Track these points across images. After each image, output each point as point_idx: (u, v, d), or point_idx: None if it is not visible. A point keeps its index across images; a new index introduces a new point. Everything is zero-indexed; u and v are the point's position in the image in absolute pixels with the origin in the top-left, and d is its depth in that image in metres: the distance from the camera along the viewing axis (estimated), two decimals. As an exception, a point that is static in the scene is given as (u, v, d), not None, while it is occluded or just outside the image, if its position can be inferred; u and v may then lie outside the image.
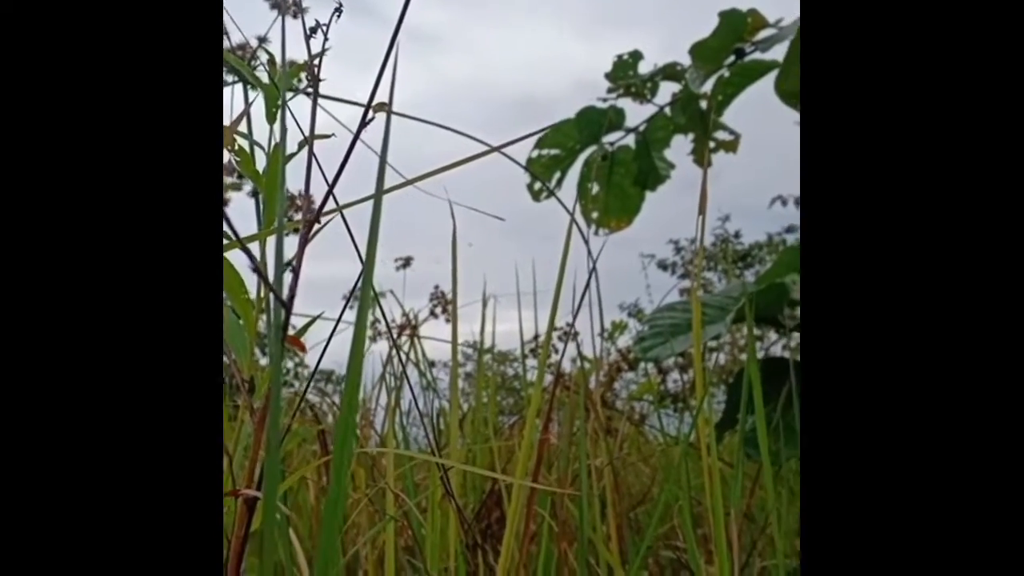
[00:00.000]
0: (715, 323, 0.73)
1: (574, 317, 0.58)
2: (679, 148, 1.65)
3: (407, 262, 1.45)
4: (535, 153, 1.67)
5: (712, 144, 1.61)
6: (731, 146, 1.61)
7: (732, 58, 1.32)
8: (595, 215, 1.73)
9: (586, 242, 0.57)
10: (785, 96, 1.29)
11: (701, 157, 1.62)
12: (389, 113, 0.28)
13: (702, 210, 0.47)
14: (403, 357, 0.98)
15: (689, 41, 1.35)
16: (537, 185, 1.70)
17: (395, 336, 1.01)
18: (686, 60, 1.42)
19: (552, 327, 0.56)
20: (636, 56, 1.49)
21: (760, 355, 0.84)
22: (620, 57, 1.49)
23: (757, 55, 1.34)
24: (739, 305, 0.72)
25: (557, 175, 1.71)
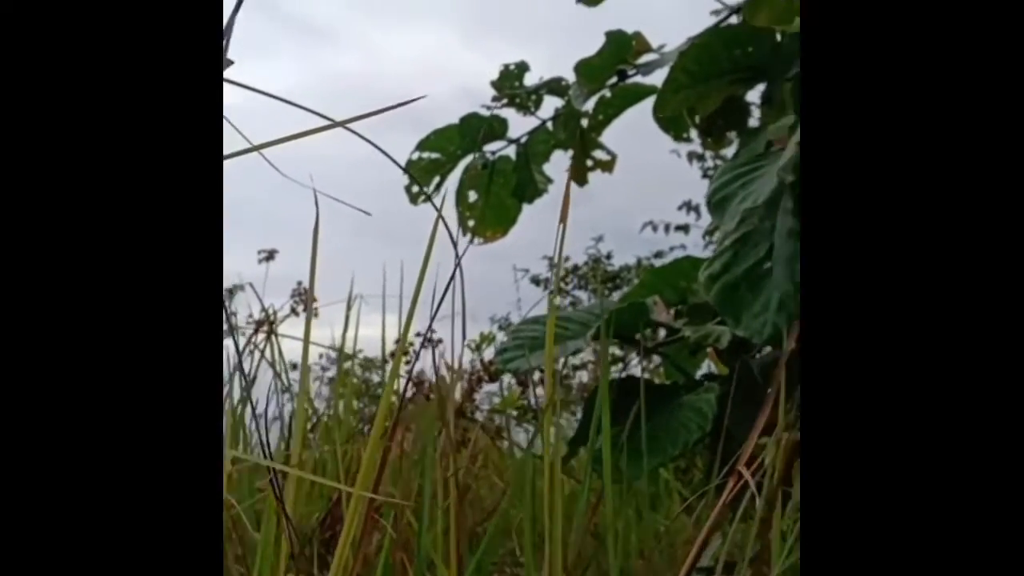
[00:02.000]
0: (576, 338, 0.73)
1: (431, 322, 0.56)
2: (558, 163, 1.66)
3: (271, 255, 1.39)
4: (415, 155, 1.64)
5: (590, 162, 1.63)
6: (608, 166, 1.63)
7: (615, 79, 1.33)
8: (471, 223, 1.71)
9: (455, 245, 0.56)
10: (662, 122, 1.32)
11: (579, 174, 1.63)
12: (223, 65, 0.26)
13: (563, 219, 0.46)
14: (257, 355, 0.94)
15: (578, 55, 1.36)
16: (415, 188, 1.67)
17: (249, 333, 0.96)
18: (571, 76, 1.43)
19: (407, 331, 0.54)
20: (522, 67, 1.49)
21: (622, 374, 0.84)
22: (507, 67, 1.49)
23: (639, 78, 1.37)
24: (599, 322, 0.72)
25: (436, 180, 1.69)
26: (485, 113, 1.61)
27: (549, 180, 1.66)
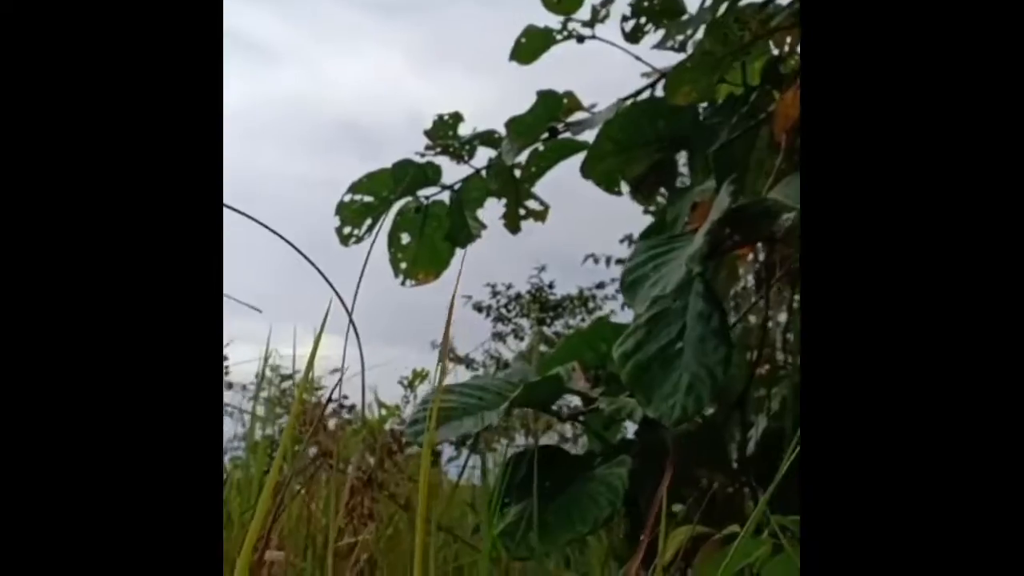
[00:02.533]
0: (492, 409, 0.74)
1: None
2: (494, 207, 1.67)
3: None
4: (347, 198, 1.64)
5: (522, 211, 1.64)
6: (540, 215, 1.65)
7: (546, 135, 1.36)
8: (404, 265, 1.71)
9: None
10: (592, 178, 1.34)
11: (512, 223, 1.65)
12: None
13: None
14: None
15: (526, 83, 1.37)
16: (346, 230, 1.66)
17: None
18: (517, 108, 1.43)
19: (310, 369, 0.52)
20: (456, 118, 1.51)
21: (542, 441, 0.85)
22: (441, 117, 1.50)
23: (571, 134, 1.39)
24: (516, 393, 0.72)
25: (368, 222, 1.68)
26: (418, 159, 1.61)
27: (483, 226, 1.67)
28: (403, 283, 1.66)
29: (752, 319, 1.07)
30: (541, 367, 0.88)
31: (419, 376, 2.48)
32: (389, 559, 0.78)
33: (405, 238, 1.66)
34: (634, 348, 0.70)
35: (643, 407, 0.67)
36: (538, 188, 1.60)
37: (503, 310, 11.85)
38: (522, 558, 0.65)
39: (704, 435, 0.77)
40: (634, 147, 1.00)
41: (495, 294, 12.50)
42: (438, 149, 1.58)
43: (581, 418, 0.82)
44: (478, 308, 11.93)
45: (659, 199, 1.59)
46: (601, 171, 1.02)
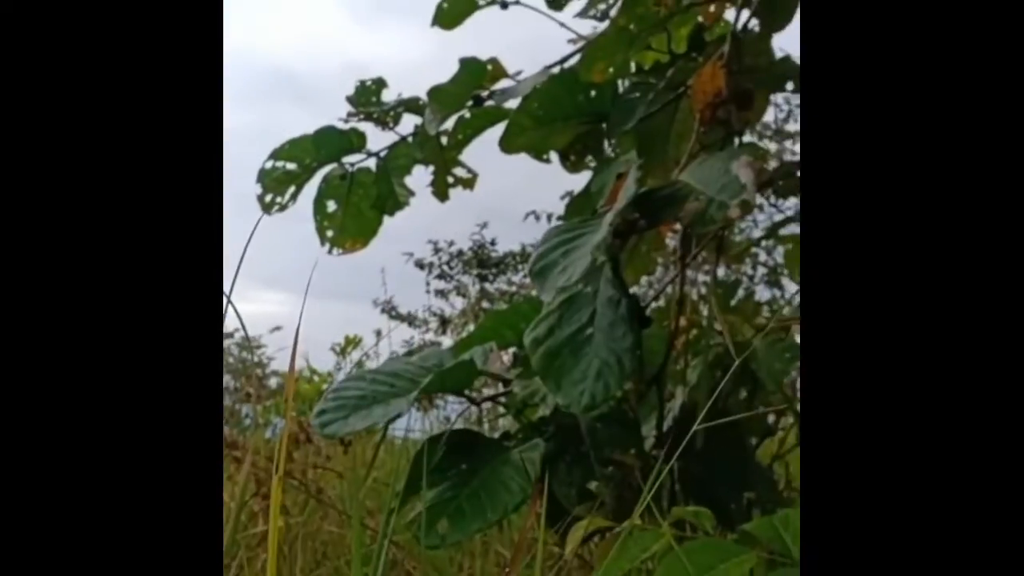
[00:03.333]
0: (402, 396, 0.73)
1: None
2: (420, 175, 1.65)
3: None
4: (269, 164, 1.59)
5: (451, 179, 1.62)
6: (469, 183, 1.63)
7: (471, 102, 1.33)
8: (330, 233, 1.68)
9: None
10: (511, 152, 1.32)
11: (440, 191, 1.63)
12: None
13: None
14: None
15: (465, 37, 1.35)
16: (268, 197, 1.62)
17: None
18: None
19: None
20: (380, 84, 1.47)
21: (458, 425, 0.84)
22: (363, 83, 1.46)
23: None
24: (426, 381, 0.72)
25: (292, 190, 1.64)
26: (342, 126, 1.58)
27: (411, 193, 1.64)
28: (330, 251, 1.64)
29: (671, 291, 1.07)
30: (458, 348, 0.88)
31: (351, 343, 2.46)
32: (304, 545, 0.77)
33: (331, 206, 1.63)
34: (545, 334, 0.70)
35: (553, 394, 0.67)
36: (476, 144, 1.57)
37: (445, 267, 11.80)
38: (432, 547, 0.65)
39: (617, 415, 0.78)
40: (554, 121, 0.99)
41: (437, 251, 12.43)
42: (361, 116, 1.54)
43: (496, 401, 0.82)
44: (420, 265, 11.84)
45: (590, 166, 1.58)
46: (520, 145, 1.00)
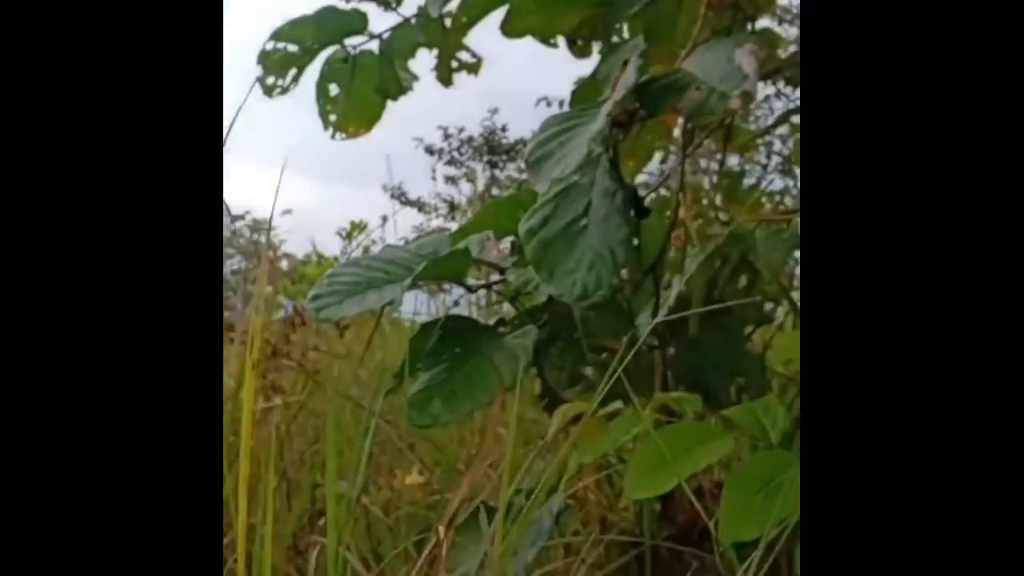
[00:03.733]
0: (395, 283, 0.74)
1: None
2: (427, 59, 1.61)
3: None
4: (269, 46, 1.56)
5: (455, 63, 1.58)
6: (473, 68, 1.59)
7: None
8: (333, 118, 1.66)
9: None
10: (514, 36, 1.29)
11: (444, 75, 1.59)
12: None
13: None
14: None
15: None
16: (270, 80, 1.59)
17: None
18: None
19: None
20: (381, -38, 1.42)
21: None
22: (364, -39, 1.41)
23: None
24: (420, 267, 0.72)
25: (293, 72, 1.61)
26: (343, 6, 1.53)
27: (415, 77, 1.61)
28: (333, 136, 1.62)
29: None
30: (457, 236, 0.88)
31: (357, 227, 2.47)
32: (306, 423, 0.80)
33: (334, 89, 1.60)
34: (540, 224, 0.70)
35: (546, 283, 0.67)
36: (487, 28, 1.53)
37: (455, 153, 11.69)
38: (424, 426, 0.67)
39: (610, 303, 0.79)
40: (559, 3, 0.96)
41: (447, 137, 12.27)
42: (363, -4, 1.50)
43: (492, 288, 0.83)
44: (430, 151, 11.73)
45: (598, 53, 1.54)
46: (523, 28, 0.98)
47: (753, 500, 0.47)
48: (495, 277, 0.82)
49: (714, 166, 1.57)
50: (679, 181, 0.87)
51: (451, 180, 12.03)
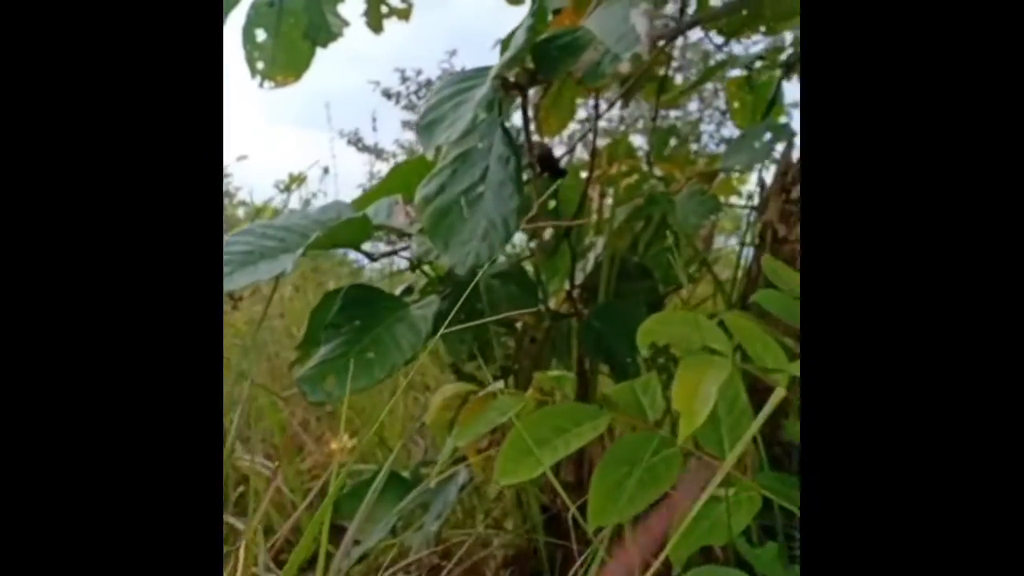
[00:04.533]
0: (291, 252, 0.71)
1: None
2: (353, 5, 1.57)
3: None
4: (192, -11, 1.49)
5: (384, 9, 1.54)
6: (404, 14, 1.55)
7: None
8: (261, 65, 1.60)
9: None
10: None
11: (375, 22, 1.55)
12: None
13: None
14: None
15: None
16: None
17: None
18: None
19: None
20: (302, -99, 1.36)
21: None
22: (283, -100, 1.35)
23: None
24: (315, 236, 0.70)
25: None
26: (267, -52, 1.47)
27: (345, 23, 1.56)
28: (261, 84, 1.57)
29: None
30: (362, 201, 0.85)
31: (296, 180, 2.42)
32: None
33: (260, 35, 1.55)
34: (436, 191, 0.68)
35: (441, 252, 0.65)
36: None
37: (413, 97, 11.50)
38: (318, 403, 0.66)
39: (515, 273, 0.77)
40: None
41: (404, 80, 12.07)
42: (286, -63, 1.44)
43: (395, 255, 0.80)
44: (387, 95, 11.54)
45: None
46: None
47: (625, 483, 0.47)
48: (402, 245, 0.79)
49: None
50: (592, 139, 0.85)
51: (408, 125, 11.86)
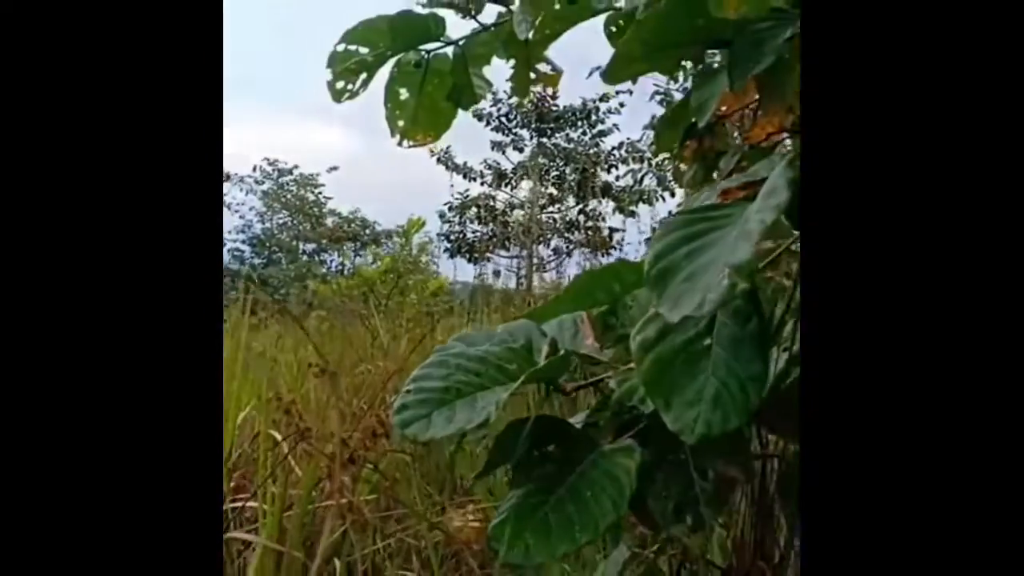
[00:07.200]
0: (489, 389, 0.66)
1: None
2: (499, 68, 1.54)
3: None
4: (341, 47, 1.49)
5: (532, 75, 1.50)
6: (552, 80, 1.51)
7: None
8: (401, 124, 1.59)
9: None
10: (613, 82, 1.20)
11: (521, 87, 1.51)
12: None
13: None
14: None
15: None
16: (339, 84, 1.52)
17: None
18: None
19: None
20: (463, -31, 1.33)
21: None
22: (445, -32, 1.32)
23: (592, -1, 1.23)
24: (524, 377, 0.65)
25: (364, 76, 1.54)
26: (420, 10, 1.45)
27: (489, 85, 1.54)
28: (400, 143, 1.55)
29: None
30: (546, 312, 0.80)
31: (415, 225, 2.41)
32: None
33: (403, 94, 1.53)
34: (656, 338, 0.62)
35: (662, 412, 0.59)
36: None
37: (503, 119, 11.60)
38: (516, 565, 0.60)
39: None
40: (666, 48, 0.87)
41: (496, 102, 12.19)
42: (442, 2, 1.42)
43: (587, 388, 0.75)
44: (478, 116, 11.67)
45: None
46: (627, 75, 0.89)
47: None
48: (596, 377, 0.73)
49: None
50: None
51: (498, 146, 11.93)
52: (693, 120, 1.07)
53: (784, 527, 0.84)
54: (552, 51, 1.52)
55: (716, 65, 1.08)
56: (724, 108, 1.28)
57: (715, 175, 1.23)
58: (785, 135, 1.09)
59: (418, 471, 1.15)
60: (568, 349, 0.71)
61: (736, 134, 1.33)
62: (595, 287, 0.81)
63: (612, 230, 11.49)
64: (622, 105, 11.42)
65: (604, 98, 11.47)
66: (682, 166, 1.39)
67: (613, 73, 0.85)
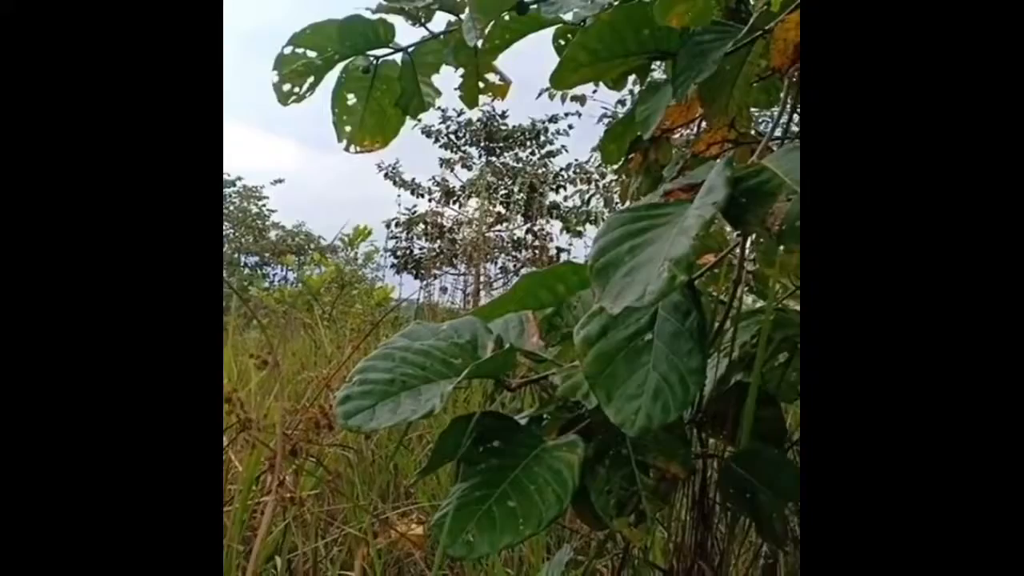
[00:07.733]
0: (433, 382, 0.66)
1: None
2: (448, 75, 1.55)
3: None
4: (288, 50, 1.48)
5: (481, 84, 1.51)
6: (500, 91, 1.53)
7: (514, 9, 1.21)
8: (348, 129, 1.58)
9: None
10: (560, 87, 1.21)
11: (470, 97, 1.52)
12: None
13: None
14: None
15: None
16: (286, 87, 1.52)
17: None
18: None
19: None
20: (414, -24, 1.34)
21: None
22: (395, -26, 1.33)
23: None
24: (467, 371, 0.65)
25: (311, 80, 1.53)
26: (370, 16, 1.46)
27: (438, 93, 1.55)
28: (347, 148, 1.55)
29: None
30: (491, 310, 0.81)
31: (361, 234, 2.40)
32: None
33: (351, 99, 1.53)
34: (598, 333, 0.63)
35: (603, 405, 0.60)
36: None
37: (452, 136, 11.62)
38: (459, 557, 0.60)
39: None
40: (612, 57, 0.88)
41: (445, 119, 12.19)
42: (393, 8, 1.42)
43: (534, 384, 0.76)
44: (427, 133, 11.66)
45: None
46: (573, 82, 0.90)
47: None
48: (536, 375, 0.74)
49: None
50: (739, 268, 0.80)
51: (447, 164, 11.94)
52: (639, 133, 1.09)
53: (724, 528, 0.85)
54: (504, 66, 1.53)
55: (662, 78, 1.11)
56: (669, 122, 1.30)
57: (660, 187, 1.26)
58: (728, 147, 1.12)
59: (359, 477, 1.14)
60: (513, 345, 0.71)
61: (683, 148, 1.36)
62: (539, 288, 0.82)
63: (559, 250, 11.57)
64: (571, 127, 11.53)
65: (553, 119, 11.57)
66: (626, 179, 1.41)
67: (559, 77, 0.87)
